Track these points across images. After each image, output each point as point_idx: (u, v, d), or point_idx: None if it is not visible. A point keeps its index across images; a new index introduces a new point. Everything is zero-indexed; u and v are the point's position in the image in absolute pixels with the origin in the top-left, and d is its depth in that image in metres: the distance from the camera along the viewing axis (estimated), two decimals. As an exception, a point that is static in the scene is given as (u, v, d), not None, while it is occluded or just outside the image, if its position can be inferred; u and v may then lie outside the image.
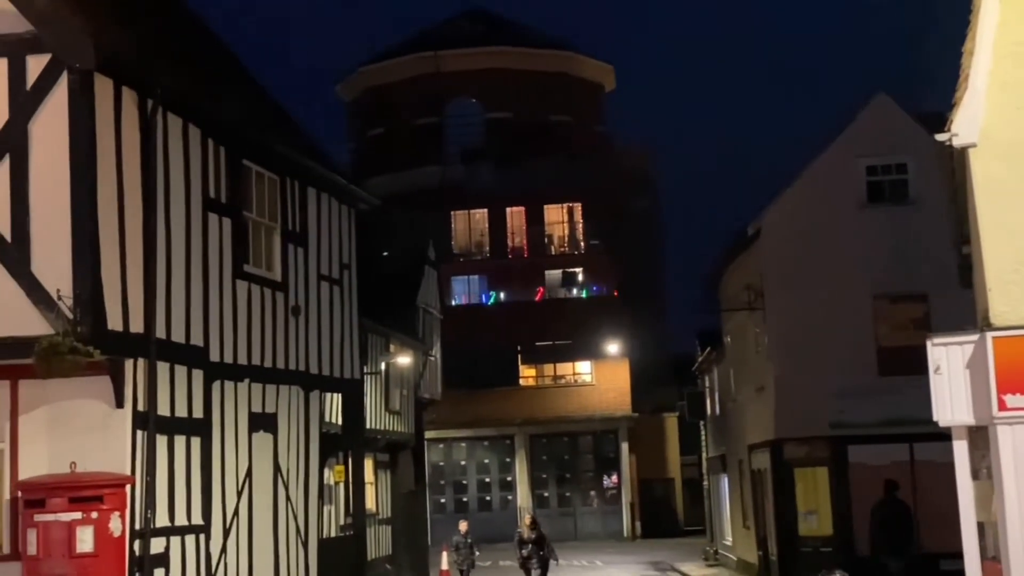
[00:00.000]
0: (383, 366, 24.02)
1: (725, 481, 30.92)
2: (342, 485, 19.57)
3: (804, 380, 22.20)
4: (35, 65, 12.22)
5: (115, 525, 11.96)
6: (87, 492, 11.88)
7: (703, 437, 35.78)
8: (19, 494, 12.11)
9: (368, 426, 22.04)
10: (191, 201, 14.15)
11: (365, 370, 21.38)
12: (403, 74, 47.05)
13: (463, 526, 23.95)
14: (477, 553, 23.86)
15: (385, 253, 26.23)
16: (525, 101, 46.11)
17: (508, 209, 44.91)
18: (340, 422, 19.25)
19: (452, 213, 44.87)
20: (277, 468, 16.19)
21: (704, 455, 35.89)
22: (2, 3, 12.15)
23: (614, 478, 42.26)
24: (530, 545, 22.49)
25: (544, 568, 22.63)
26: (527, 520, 23.50)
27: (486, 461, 42.55)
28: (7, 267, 12.12)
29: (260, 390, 15.78)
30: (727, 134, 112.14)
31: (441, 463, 41.92)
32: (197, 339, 14.20)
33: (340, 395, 19.09)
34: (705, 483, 36.00)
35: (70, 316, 11.96)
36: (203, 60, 17.13)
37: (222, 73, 17.61)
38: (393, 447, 25.26)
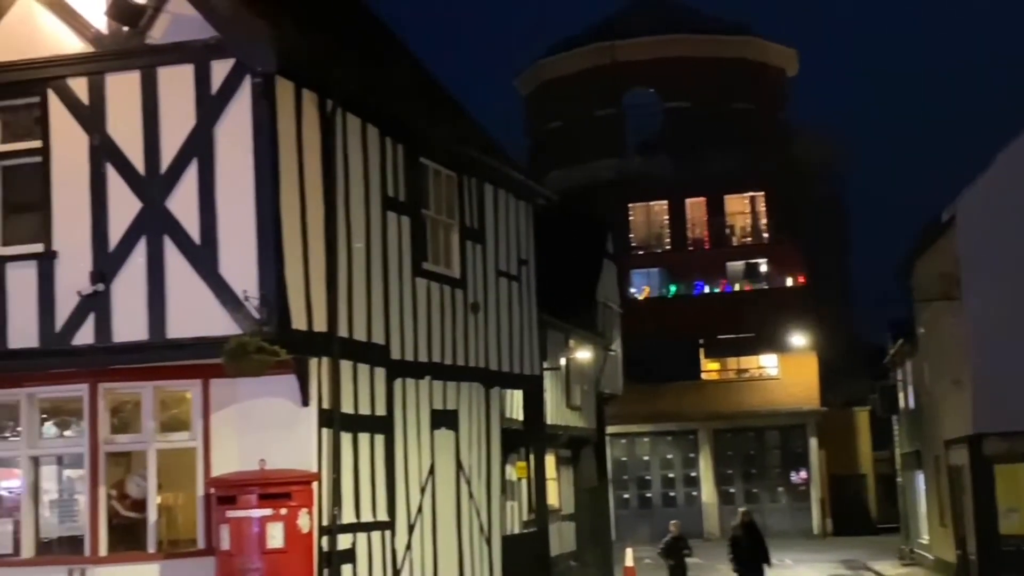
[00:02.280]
0: (563, 362, 23.92)
1: (920, 478, 29.89)
2: (524, 481, 19.53)
3: (1005, 372, 21.30)
4: (219, 70, 12.48)
5: (303, 521, 12.13)
6: (276, 489, 12.07)
7: (896, 432, 34.65)
8: (212, 491, 12.41)
9: (549, 422, 21.97)
10: (370, 200, 14.28)
11: (545, 366, 21.31)
12: (579, 66, 46.91)
13: (674, 526, 22.33)
14: (692, 558, 21.98)
15: (563, 248, 26.11)
16: (704, 89, 45.43)
17: (688, 200, 44.36)
18: (521, 418, 19.23)
19: (630, 205, 44.54)
20: (459, 465, 16.24)
21: (897, 450, 34.75)
22: (188, 10, 12.47)
23: (802, 474, 41.32)
24: (743, 546, 20.84)
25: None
26: (741, 518, 21.90)
27: (669, 456, 42.11)
28: (197, 270, 12.42)
29: (441, 387, 15.85)
30: (914, 117, 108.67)
31: (624, 458, 41.66)
32: (379, 337, 14.33)
33: (520, 391, 19.06)
34: (899, 479, 34.87)
35: (256, 316, 12.19)
36: (379, 57, 17.30)
37: (399, 70, 17.76)
38: (574, 443, 25.14)
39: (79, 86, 12.78)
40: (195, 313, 12.37)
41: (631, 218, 44.69)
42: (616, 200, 42.26)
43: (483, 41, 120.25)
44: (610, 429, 32.30)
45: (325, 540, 12.77)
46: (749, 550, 21.25)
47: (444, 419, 15.88)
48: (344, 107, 13.58)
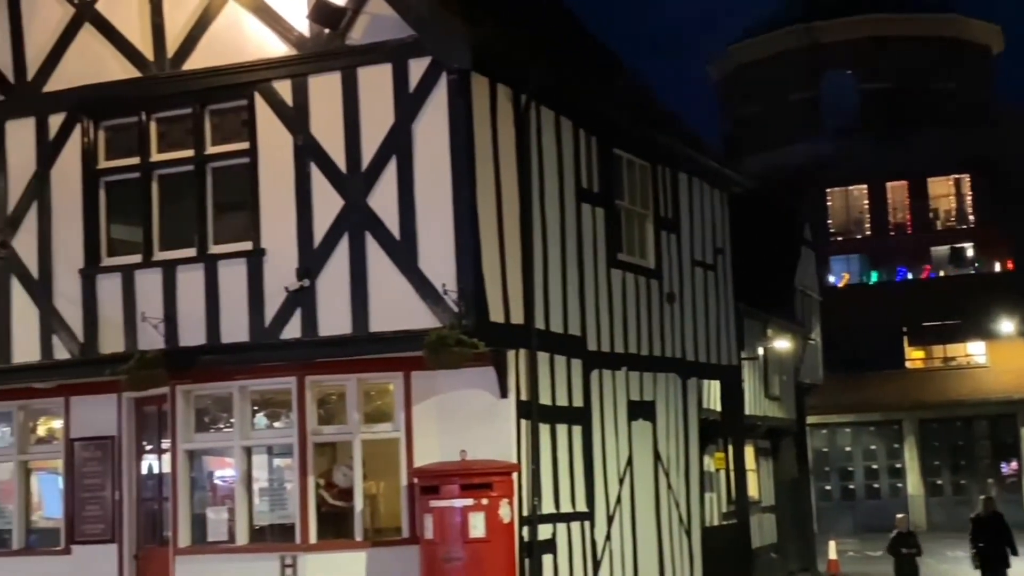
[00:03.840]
0: (761, 351, 23.56)
1: None
2: (723, 473, 19.34)
3: None
4: (416, 68, 12.70)
5: (504, 511, 12.27)
6: (477, 479, 12.24)
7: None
8: (415, 481, 12.66)
9: (747, 412, 21.68)
10: (564, 193, 14.33)
11: (743, 356, 21.04)
12: (774, 49, 46.06)
13: (900, 521, 19.99)
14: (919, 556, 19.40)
15: (759, 235, 25.69)
16: (904, 69, 44.04)
17: (888, 184, 43.07)
18: (719, 409, 19.03)
19: (828, 190, 43.53)
20: (657, 456, 16.17)
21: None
22: (386, 11, 12.74)
23: (1013, 464, 39.71)
24: (988, 535, 18.51)
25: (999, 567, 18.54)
26: (984, 506, 19.26)
27: (872, 447, 41.00)
28: (397, 264, 12.68)
29: (638, 378, 15.81)
30: None
31: (825, 449, 40.77)
32: (575, 329, 14.37)
33: (718, 382, 18.86)
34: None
35: (455, 310, 12.37)
36: (570, 48, 17.33)
37: (590, 60, 17.76)
38: (774, 433, 24.75)
39: (283, 88, 13.19)
40: (396, 307, 12.63)
41: (829, 203, 43.67)
42: (813, 185, 41.33)
43: (673, 26, 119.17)
44: (810, 419, 31.64)
45: (526, 530, 12.89)
46: (993, 540, 18.83)
47: (641, 410, 15.83)
48: (538, 101, 13.65)
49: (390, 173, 12.78)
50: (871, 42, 44.59)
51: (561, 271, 14.09)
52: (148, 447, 14.13)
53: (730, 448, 19.68)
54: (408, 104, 12.74)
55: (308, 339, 12.93)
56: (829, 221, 43.17)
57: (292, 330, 13.01)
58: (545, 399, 13.49)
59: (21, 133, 14.30)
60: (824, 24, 44.81)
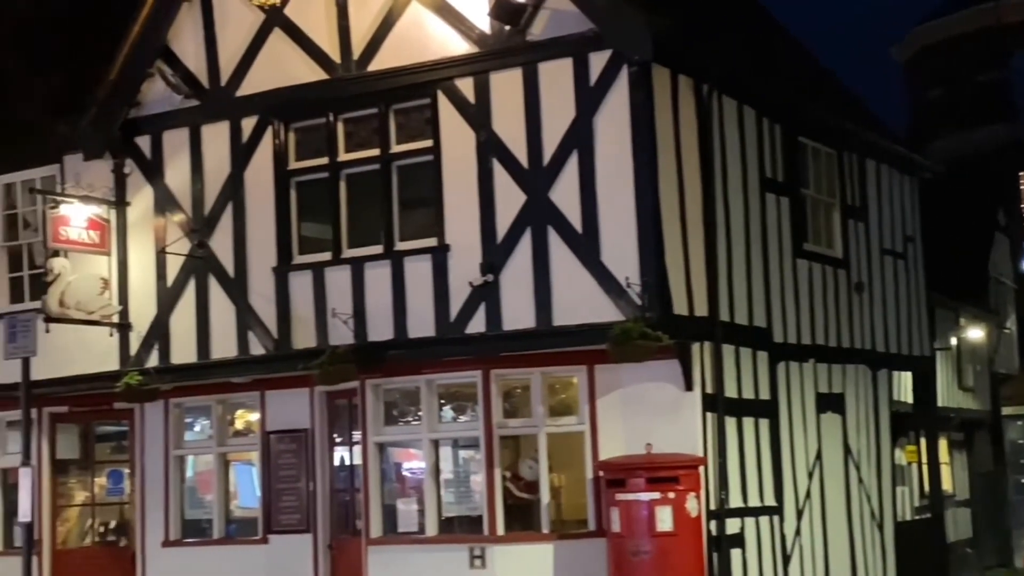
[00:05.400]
0: (953, 341, 22.83)
1: None
2: (915, 466, 18.82)
3: None
4: (597, 62, 12.69)
5: (691, 505, 12.18)
6: (663, 473, 12.18)
7: None
8: (600, 474, 12.67)
9: (940, 404, 21.03)
10: (748, 183, 14.13)
11: (935, 346, 20.42)
12: (961, 29, 44.46)
13: None
14: None
15: (950, 221, 24.90)
16: (1102, 46, 42.00)
17: (1092, 164, 41.18)
18: (910, 401, 18.51)
19: (1021, 174, 41.83)
20: (847, 449, 15.82)
21: None
22: (565, 5, 12.75)
23: None
24: None
25: None
26: None
27: (1073, 439, 39.32)
28: (580, 258, 12.70)
29: (826, 370, 15.49)
30: None
31: (1021, 441, 39.22)
32: (760, 320, 14.17)
33: (909, 373, 18.35)
34: None
35: (639, 303, 12.33)
36: (753, 36, 17.07)
37: (771, 46, 17.48)
38: (967, 426, 23.97)
39: (466, 86, 13.34)
40: (579, 301, 12.65)
41: (1022, 187, 41.95)
42: (1006, 169, 39.76)
43: (856, 6, 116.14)
44: (1006, 410, 30.49)
45: (713, 524, 12.78)
46: None
47: (830, 402, 15.50)
48: (720, 90, 13.49)
49: (572, 167, 12.81)
50: (1064, 19, 42.65)
51: (745, 262, 13.90)
52: (339, 439, 14.48)
53: (922, 441, 19.13)
54: (589, 97, 12.74)
55: (492, 333, 13.06)
56: (1023, 206, 41.48)
57: (477, 324, 13.17)
58: (731, 392, 13.34)
59: (216, 136, 14.82)
60: (1013, 2, 43.06)
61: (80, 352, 15.22)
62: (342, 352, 13.48)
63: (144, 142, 15.23)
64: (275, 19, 14.40)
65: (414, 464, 14.13)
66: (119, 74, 15.00)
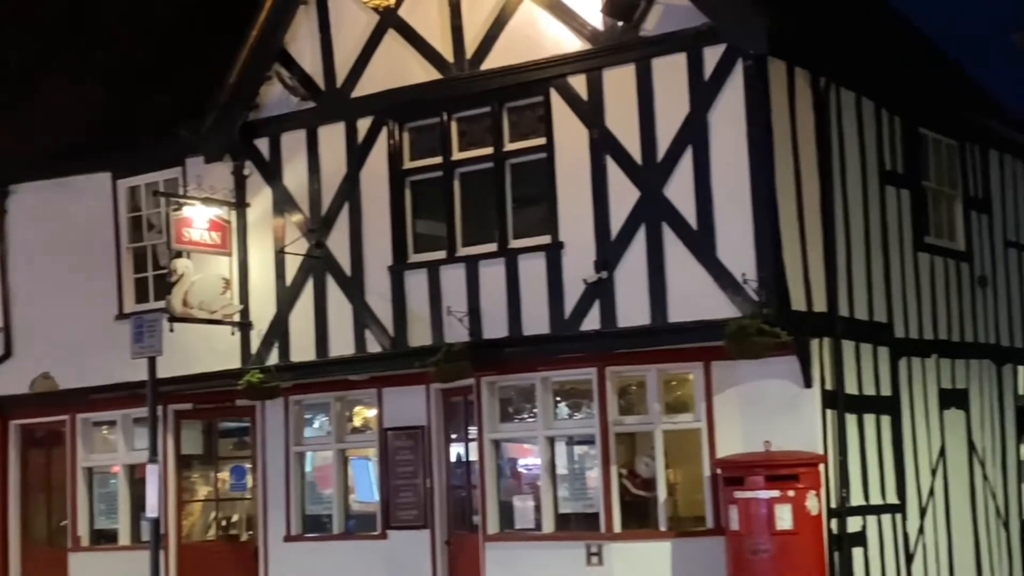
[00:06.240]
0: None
1: None
2: (1042, 463, 18.31)
3: None
4: (711, 56, 12.59)
5: (812, 503, 12.02)
6: (783, 471, 12.03)
7: None
8: (718, 471, 12.58)
9: (1068, 399, 20.44)
10: (867, 175, 13.88)
11: (1063, 340, 19.83)
12: (1086, 14, 43.15)
13: None
14: None
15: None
16: None
17: None
18: (1038, 396, 18.03)
19: None
20: (971, 446, 15.47)
21: None
22: (678, 0, 12.66)
23: None
24: None
25: None
26: None
27: None
28: (695, 254, 12.62)
29: (949, 366, 15.16)
30: None
31: None
32: (880, 315, 13.92)
33: (1036, 368, 17.87)
34: None
35: (755, 299, 12.22)
36: (869, 24, 16.75)
37: (890, 36, 17.13)
38: (1098, 421, 23.23)
39: (578, 83, 13.33)
40: (695, 297, 12.58)
41: None
42: None
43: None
44: None
45: (834, 523, 12.59)
46: None
47: (953, 398, 15.17)
48: (837, 82, 13.27)
49: (686, 163, 12.73)
50: None
51: (865, 256, 13.67)
52: (455, 436, 14.59)
53: (1050, 438, 18.61)
54: (703, 92, 12.64)
55: (607, 330, 13.05)
56: None
57: (591, 322, 13.16)
58: (851, 388, 13.12)
59: (332, 137, 15.02)
60: None
61: (203, 351, 15.57)
62: (457, 350, 13.58)
63: (263, 144, 15.52)
64: (389, 20, 14.55)
65: (529, 460, 14.17)
66: (238, 78, 15.30)
